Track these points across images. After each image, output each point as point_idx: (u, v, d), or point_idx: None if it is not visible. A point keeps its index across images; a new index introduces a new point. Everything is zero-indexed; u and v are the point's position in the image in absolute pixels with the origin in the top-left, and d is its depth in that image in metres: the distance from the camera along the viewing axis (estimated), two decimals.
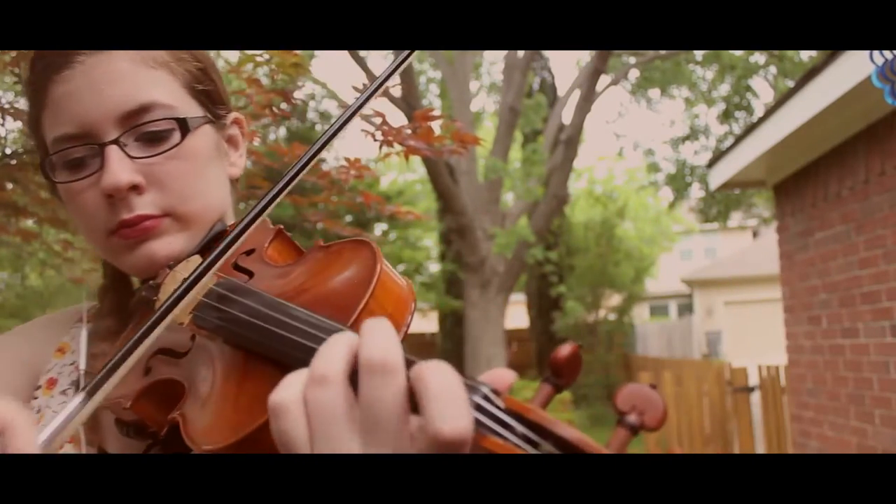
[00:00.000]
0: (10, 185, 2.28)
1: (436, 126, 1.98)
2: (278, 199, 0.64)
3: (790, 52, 11.92)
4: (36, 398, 0.83)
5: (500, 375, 0.48)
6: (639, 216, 21.44)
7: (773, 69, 13.09)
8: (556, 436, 0.44)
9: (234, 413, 0.57)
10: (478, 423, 0.44)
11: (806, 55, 11.96)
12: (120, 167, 0.74)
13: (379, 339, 0.48)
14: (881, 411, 4.05)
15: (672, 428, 7.48)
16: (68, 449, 0.77)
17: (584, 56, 14.78)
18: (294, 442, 0.48)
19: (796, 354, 5.23)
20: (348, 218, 11.93)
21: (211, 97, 0.84)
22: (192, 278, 0.60)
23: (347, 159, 2.17)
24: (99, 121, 0.75)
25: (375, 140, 1.98)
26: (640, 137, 29.55)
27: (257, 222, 0.63)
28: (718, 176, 5.89)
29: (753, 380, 6.66)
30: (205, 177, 0.80)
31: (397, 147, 1.99)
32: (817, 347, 4.84)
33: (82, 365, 0.81)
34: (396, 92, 8.84)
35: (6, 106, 2.08)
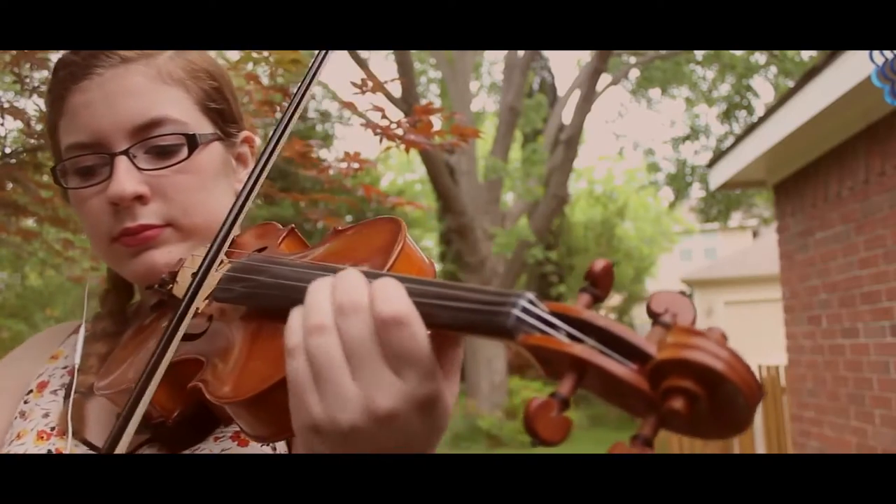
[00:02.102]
0: (10, 185, 2.28)
1: (436, 120, 1.98)
2: (259, 183, 0.68)
3: (790, 52, 11.91)
4: (27, 402, 0.86)
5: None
6: (639, 216, 21.43)
7: (773, 69, 13.08)
8: (599, 328, 0.45)
9: (264, 365, 0.60)
10: (525, 324, 0.46)
11: (806, 55, 11.95)
12: (127, 177, 0.77)
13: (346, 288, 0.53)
14: (881, 411, 4.05)
15: None
16: (55, 441, 0.80)
17: (585, 56, 14.77)
18: (301, 384, 0.52)
19: (796, 354, 5.23)
20: (349, 217, 11.94)
21: (223, 115, 0.86)
22: (203, 266, 0.65)
23: (346, 153, 2.17)
24: (111, 132, 0.78)
25: (375, 133, 1.98)
26: (641, 137, 29.55)
27: (248, 204, 0.67)
28: (718, 176, 5.89)
29: None
30: (209, 191, 0.82)
31: (397, 141, 1.99)
32: (817, 347, 4.84)
33: (77, 358, 0.85)
34: (396, 92, 8.84)
35: (6, 106, 2.08)
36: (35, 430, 0.82)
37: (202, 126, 0.83)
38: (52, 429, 0.82)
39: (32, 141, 2.18)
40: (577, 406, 13.43)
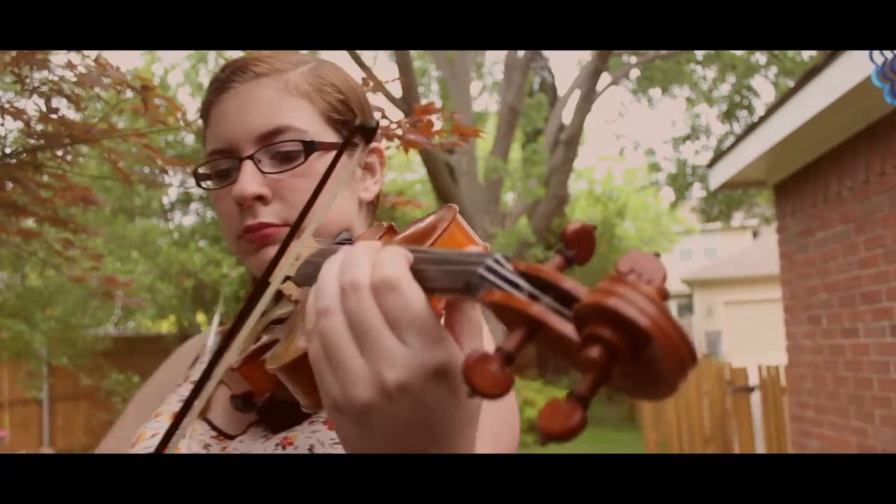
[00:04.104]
0: (10, 185, 2.28)
1: (436, 120, 1.98)
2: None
3: (790, 52, 11.90)
4: (175, 393, 0.96)
5: None
6: (639, 216, 21.43)
7: (773, 69, 13.07)
8: (557, 288, 0.44)
9: (301, 338, 0.62)
10: (486, 281, 0.46)
11: (806, 55, 11.95)
12: (249, 179, 0.85)
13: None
14: (881, 411, 4.05)
15: (672, 428, 7.47)
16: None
17: (586, 55, 14.77)
18: (319, 366, 0.54)
19: (796, 354, 5.23)
20: None
21: (348, 127, 0.92)
22: (276, 257, 0.69)
23: None
24: (240, 138, 0.86)
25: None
26: (641, 137, 29.54)
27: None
28: (719, 176, 5.89)
29: (753, 380, 6.65)
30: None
31: (397, 142, 1.99)
32: (817, 347, 4.84)
33: (210, 343, 0.96)
34: (396, 92, 8.84)
35: (6, 106, 2.08)
36: (170, 412, 0.91)
37: (325, 135, 0.89)
38: None
39: (32, 141, 2.18)
40: None
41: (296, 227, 0.67)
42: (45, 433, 11.27)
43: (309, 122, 0.88)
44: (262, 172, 0.86)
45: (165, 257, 11.43)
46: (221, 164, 0.89)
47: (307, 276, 0.72)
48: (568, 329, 0.41)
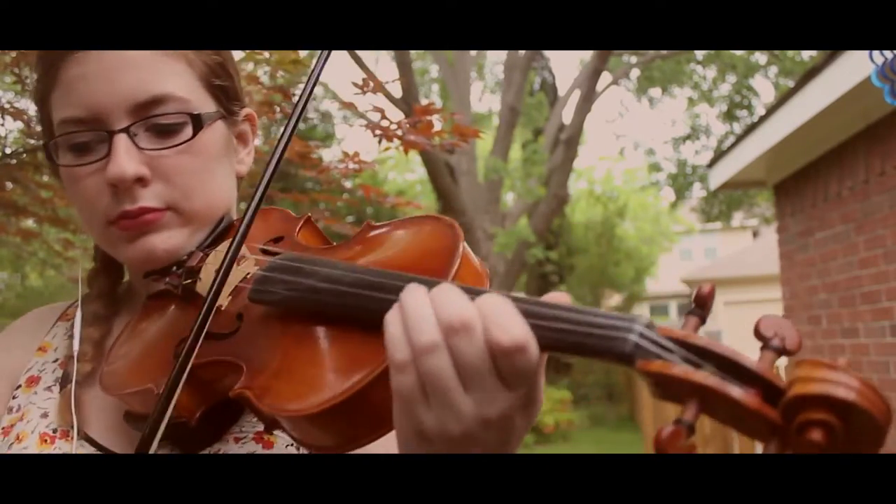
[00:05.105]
0: (9, 185, 2.28)
1: (436, 120, 1.98)
2: (274, 175, 0.65)
3: (790, 52, 11.91)
4: (15, 397, 0.82)
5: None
6: (639, 216, 21.44)
7: (773, 69, 13.08)
8: (716, 355, 0.47)
9: (333, 374, 0.57)
10: (643, 350, 0.48)
11: (806, 55, 11.95)
12: (127, 157, 0.72)
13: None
14: None
15: None
16: (60, 444, 0.76)
17: (587, 55, 14.78)
18: (412, 398, 0.52)
19: (797, 354, 5.22)
20: (349, 218, 11.93)
21: (226, 92, 0.82)
22: (225, 264, 0.61)
23: (345, 153, 2.17)
24: (110, 108, 0.73)
25: (375, 135, 1.98)
26: (641, 137, 29.57)
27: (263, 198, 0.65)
28: (719, 176, 5.89)
29: None
30: (212, 173, 0.78)
31: (396, 142, 2.00)
32: (817, 347, 4.84)
33: (76, 346, 0.81)
34: (396, 92, 8.84)
35: (6, 106, 2.08)
36: (37, 433, 0.77)
37: (205, 103, 0.78)
38: (55, 430, 0.77)
39: (32, 141, 2.18)
40: (578, 406, 13.43)
41: (246, 231, 0.61)
42: None
43: (190, 90, 0.76)
44: (139, 148, 0.73)
45: None
46: (80, 136, 0.74)
47: (282, 296, 0.63)
48: (744, 397, 0.44)
